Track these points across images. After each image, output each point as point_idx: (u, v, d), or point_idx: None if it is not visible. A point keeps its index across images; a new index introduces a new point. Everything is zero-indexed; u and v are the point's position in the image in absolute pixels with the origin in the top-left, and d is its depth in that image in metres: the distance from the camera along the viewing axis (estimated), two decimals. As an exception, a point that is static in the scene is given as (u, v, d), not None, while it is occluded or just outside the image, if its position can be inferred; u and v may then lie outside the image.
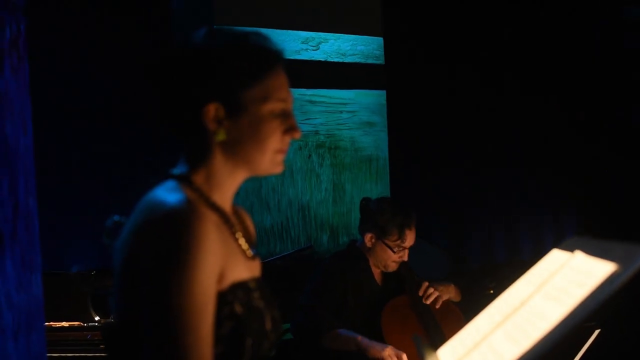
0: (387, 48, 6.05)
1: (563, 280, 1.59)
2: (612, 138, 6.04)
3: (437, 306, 3.72)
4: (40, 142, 2.49)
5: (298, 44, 5.77)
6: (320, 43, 5.85)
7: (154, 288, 1.49)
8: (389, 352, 3.36)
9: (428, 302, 3.70)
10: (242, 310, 1.59)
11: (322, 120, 5.84)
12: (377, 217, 3.68)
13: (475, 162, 6.10)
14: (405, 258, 3.72)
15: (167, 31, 5.27)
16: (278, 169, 1.70)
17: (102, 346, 3.93)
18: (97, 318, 4.12)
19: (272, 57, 1.67)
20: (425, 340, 3.51)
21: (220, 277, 1.56)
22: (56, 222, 4.85)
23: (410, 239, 3.69)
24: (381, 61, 6.05)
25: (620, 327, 4.28)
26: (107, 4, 5.20)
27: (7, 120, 2.12)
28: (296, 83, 2.45)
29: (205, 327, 1.50)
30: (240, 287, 1.61)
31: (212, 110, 1.62)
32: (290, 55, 5.62)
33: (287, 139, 1.68)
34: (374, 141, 6.02)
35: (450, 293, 3.79)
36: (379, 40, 6.03)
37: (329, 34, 5.87)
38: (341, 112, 5.92)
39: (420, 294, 3.72)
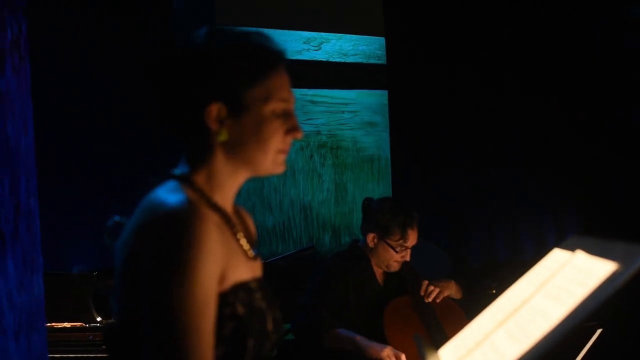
0: (389, 48, 6.04)
1: (564, 280, 1.59)
2: (612, 138, 6.03)
3: (438, 300, 3.72)
4: (40, 142, 2.49)
5: (300, 44, 5.77)
6: (321, 43, 5.85)
7: (155, 289, 1.48)
8: (387, 352, 3.36)
9: (429, 299, 3.70)
10: (244, 311, 1.58)
11: (323, 120, 5.84)
12: (380, 217, 3.69)
13: (476, 162, 6.10)
14: (408, 258, 3.73)
15: (167, 31, 5.27)
16: (280, 169, 1.69)
17: (104, 347, 3.93)
18: (99, 318, 4.12)
19: (274, 57, 1.67)
20: (427, 340, 3.51)
21: (222, 277, 1.56)
22: (57, 222, 4.85)
23: (412, 238, 3.69)
24: (383, 61, 6.04)
25: (621, 327, 4.28)
26: (108, 4, 5.21)
27: (9, 120, 2.12)
28: (298, 83, 2.45)
29: (206, 328, 1.49)
30: (241, 287, 1.60)
31: (215, 110, 1.62)
32: (292, 55, 5.62)
33: (289, 139, 1.67)
34: (376, 141, 6.02)
35: (451, 289, 3.79)
36: (381, 40, 6.03)
37: (331, 34, 5.87)
38: (343, 112, 5.92)
39: (422, 293, 3.72)
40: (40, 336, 2.32)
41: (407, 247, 3.69)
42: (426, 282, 3.74)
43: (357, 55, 5.98)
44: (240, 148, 1.64)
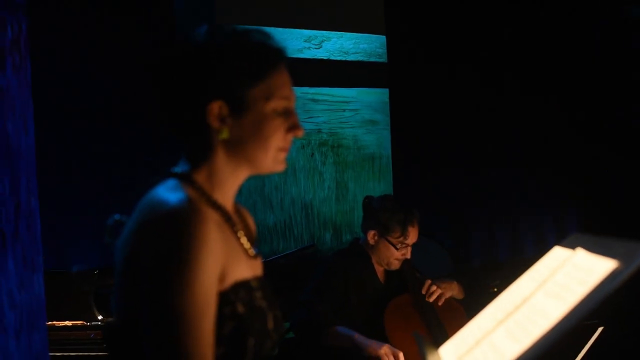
0: (390, 46, 6.05)
1: (565, 278, 1.59)
2: (612, 138, 6.03)
3: (440, 303, 3.72)
4: (40, 142, 2.49)
5: (300, 42, 5.77)
6: (322, 41, 5.85)
7: (155, 287, 1.48)
8: (385, 350, 3.36)
9: (431, 299, 3.70)
10: (244, 309, 1.58)
11: (324, 118, 5.84)
12: (380, 215, 3.69)
13: (477, 162, 6.10)
14: (408, 255, 3.72)
15: (167, 31, 5.27)
16: (280, 167, 1.69)
17: (104, 345, 3.93)
18: (100, 317, 4.12)
19: (275, 55, 1.67)
20: (428, 339, 3.51)
21: (222, 276, 1.56)
22: (57, 222, 4.85)
23: (413, 236, 3.69)
24: (384, 59, 6.04)
25: (622, 325, 4.28)
26: (108, 4, 5.20)
27: (9, 119, 2.12)
28: (299, 81, 2.45)
29: (206, 327, 1.49)
30: (242, 286, 1.60)
31: (216, 108, 1.61)
32: (293, 53, 5.62)
33: (290, 137, 1.67)
34: (377, 139, 6.02)
35: (453, 290, 3.78)
36: (382, 38, 6.03)
37: (332, 32, 5.87)
38: (344, 110, 5.92)
39: (423, 292, 3.71)
40: (41, 335, 2.32)
41: (407, 245, 3.69)
42: (429, 281, 3.74)
43: (358, 53, 5.98)
44: (241, 146, 1.64)
